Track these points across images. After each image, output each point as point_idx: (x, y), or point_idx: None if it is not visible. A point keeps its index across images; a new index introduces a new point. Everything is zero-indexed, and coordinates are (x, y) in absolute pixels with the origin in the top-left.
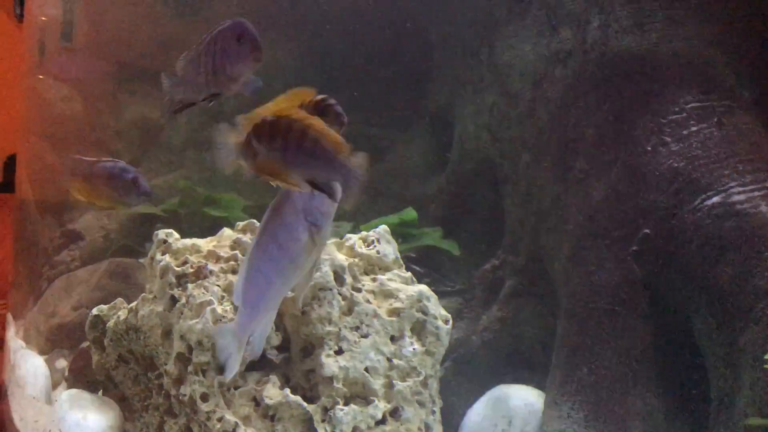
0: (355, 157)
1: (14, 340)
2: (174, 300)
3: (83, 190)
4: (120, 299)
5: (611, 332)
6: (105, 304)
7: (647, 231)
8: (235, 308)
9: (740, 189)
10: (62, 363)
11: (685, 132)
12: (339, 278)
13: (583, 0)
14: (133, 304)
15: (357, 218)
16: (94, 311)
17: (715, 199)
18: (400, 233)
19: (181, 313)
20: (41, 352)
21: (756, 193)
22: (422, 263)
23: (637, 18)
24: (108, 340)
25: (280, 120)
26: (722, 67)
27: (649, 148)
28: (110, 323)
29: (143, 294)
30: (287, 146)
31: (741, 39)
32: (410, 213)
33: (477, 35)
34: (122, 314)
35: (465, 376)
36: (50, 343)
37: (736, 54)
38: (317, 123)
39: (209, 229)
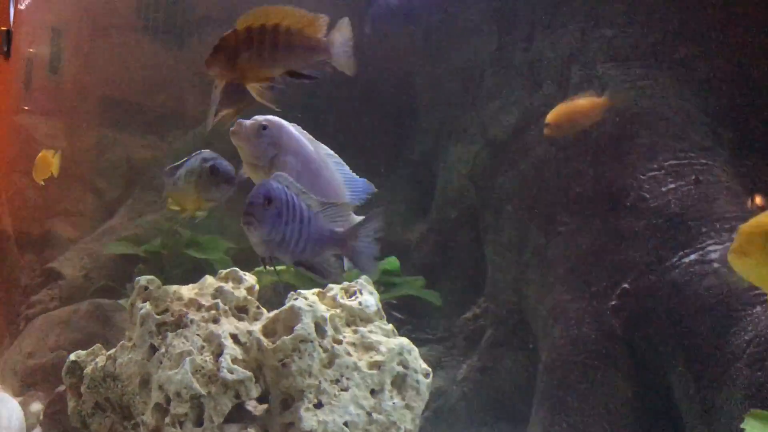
0: (335, 29)
1: None
2: (153, 349)
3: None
4: (98, 345)
5: (590, 387)
6: (83, 345)
7: (626, 286)
8: (217, 356)
9: (717, 247)
10: (37, 406)
11: (663, 189)
12: (320, 330)
13: (566, 57)
14: (112, 351)
15: (339, 265)
16: (72, 357)
17: (693, 256)
18: (382, 282)
19: (160, 363)
20: (16, 394)
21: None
22: (403, 310)
23: (617, 75)
24: (85, 386)
25: (251, 27)
26: (700, 125)
27: (628, 204)
28: (88, 369)
29: (122, 341)
30: (263, 44)
31: (718, 98)
32: (393, 262)
33: (462, 85)
34: (100, 361)
35: (444, 427)
36: (26, 385)
37: (714, 112)
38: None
39: (191, 270)
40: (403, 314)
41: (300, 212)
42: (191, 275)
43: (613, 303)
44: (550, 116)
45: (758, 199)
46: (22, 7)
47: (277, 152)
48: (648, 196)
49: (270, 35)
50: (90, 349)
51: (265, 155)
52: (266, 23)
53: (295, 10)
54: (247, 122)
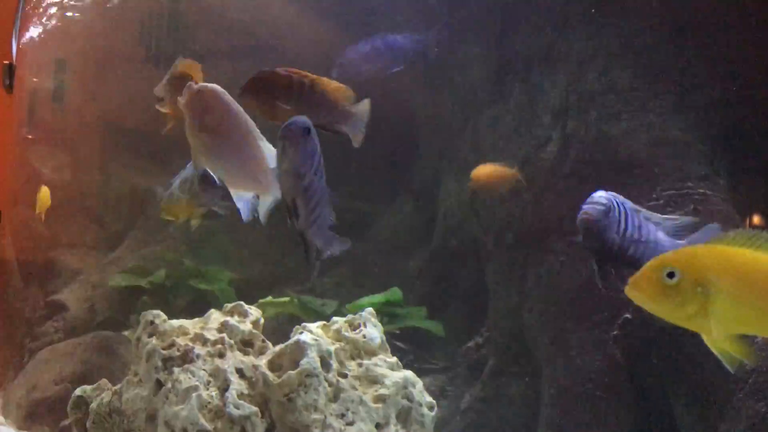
0: (359, 104)
1: None
2: (159, 384)
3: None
4: (104, 380)
5: (594, 417)
6: (88, 378)
7: (628, 316)
8: (223, 391)
9: None
10: None
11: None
12: (325, 364)
13: (563, 87)
14: (118, 386)
15: (342, 295)
16: (78, 391)
17: None
18: (385, 312)
19: (167, 398)
20: (19, 427)
21: None
22: (406, 339)
23: (616, 106)
24: (90, 422)
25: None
26: (698, 154)
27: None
28: (93, 405)
29: (128, 377)
30: (301, 93)
31: (716, 128)
32: (396, 293)
33: (462, 115)
34: (106, 396)
35: None
36: (30, 418)
37: (712, 142)
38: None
39: (195, 301)
40: (406, 344)
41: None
42: (195, 306)
43: (615, 333)
44: (474, 173)
45: (756, 220)
46: (25, 40)
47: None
48: None
49: (307, 87)
50: (96, 384)
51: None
52: (307, 75)
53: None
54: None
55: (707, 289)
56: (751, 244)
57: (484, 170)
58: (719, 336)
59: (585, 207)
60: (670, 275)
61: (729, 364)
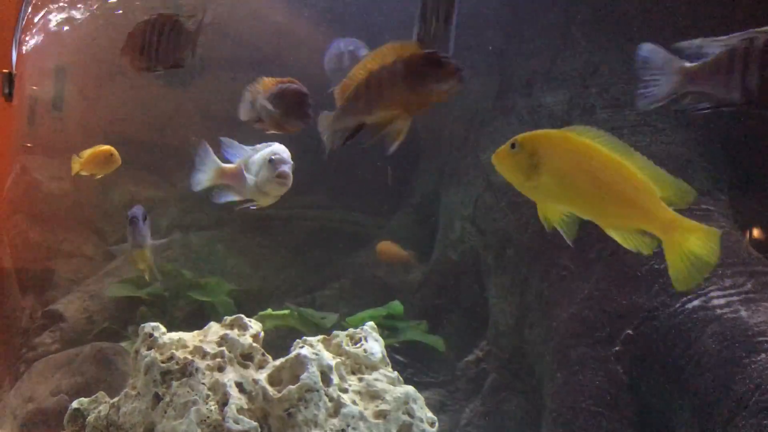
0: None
1: None
2: (158, 398)
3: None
4: (102, 393)
5: None
6: (85, 389)
7: (630, 332)
8: (222, 406)
9: (719, 293)
10: None
11: None
12: (326, 379)
13: (565, 101)
14: (116, 399)
15: (342, 308)
16: (75, 404)
17: (696, 302)
18: (386, 326)
19: (165, 412)
20: None
21: (735, 298)
22: (406, 353)
23: (617, 121)
24: None
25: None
26: (699, 170)
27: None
28: (90, 418)
29: (126, 390)
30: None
31: (718, 144)
32: (396, 307)
33: (463, 129)
34: (103, 409)
35: None
36: (26, 429)
37: (714, 158)
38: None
39: (194, 312)
40: (406, 357)
41: None
42: (194, 317)
43: (616, 349)
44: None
45: (756, 234)
46: (26, 48)
47: None
48: None
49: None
50: (93, 397)
51: None
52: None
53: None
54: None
55: (538, 160)
56: (591, 136)
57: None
58: (544, 205)
59: None
60: (513, 146)
61: (565, 236)
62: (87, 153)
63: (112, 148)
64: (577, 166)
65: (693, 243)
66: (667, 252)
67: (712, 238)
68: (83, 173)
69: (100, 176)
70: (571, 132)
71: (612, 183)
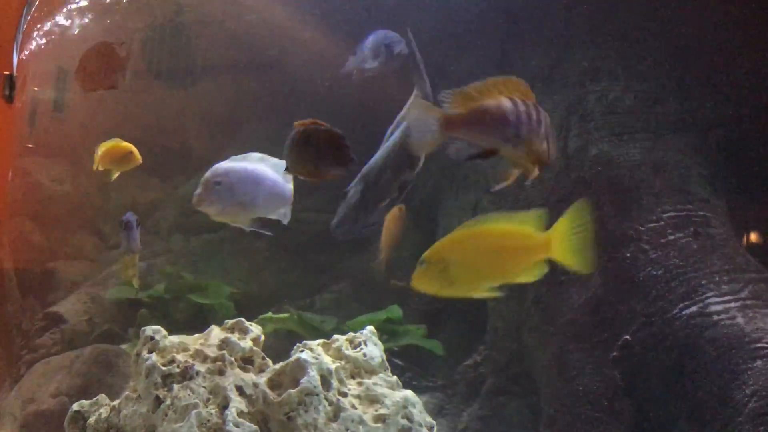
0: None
1: None
2: (158, 401)
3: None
4: (103, 395)
5: None
6: (85, 391)
7: (627, 338)
8: (222, 409)
9: (717, 299)
10: None
11: (662, 240)
12: (326, 383)
13: (565, 108)
14: (116, 402)
15: (341, 312)
16: (75, 406)
17: (693, 308)
18: (385, 330)
19: (166, 415)
20: None
21: (732, 304)
22: (405, 357)
23: (616, 128)
24: None
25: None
26: (698, 177)
27: (629, 255)
28: (91, 420)
29: (126, 392)
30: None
31: (716, 150)
32: (395, 311)
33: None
34: (104, 412)
35: None
36: (26, 431)
37: (711, 164)
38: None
39: (194, 315)
40: (404, 361)
41: None
42: (194, 320)
43: (614, 354)
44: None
45: (753, 239)
46: (27, 50)
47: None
48: (648, 247)
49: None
50: (94, 399)
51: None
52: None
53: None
54: None
55: (445, 266)
56: (474, 223)
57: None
58: (467, 292)
59: None
60: (422, 263)
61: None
62: (105, 147)
63: (132, 146)
64: (474, 252)
65: (569, 232)
66: (560, 258)
67: (582, 208)
68: (101, 168)
69: (116, 174)
70: (460, 230)
71: (503, 247)
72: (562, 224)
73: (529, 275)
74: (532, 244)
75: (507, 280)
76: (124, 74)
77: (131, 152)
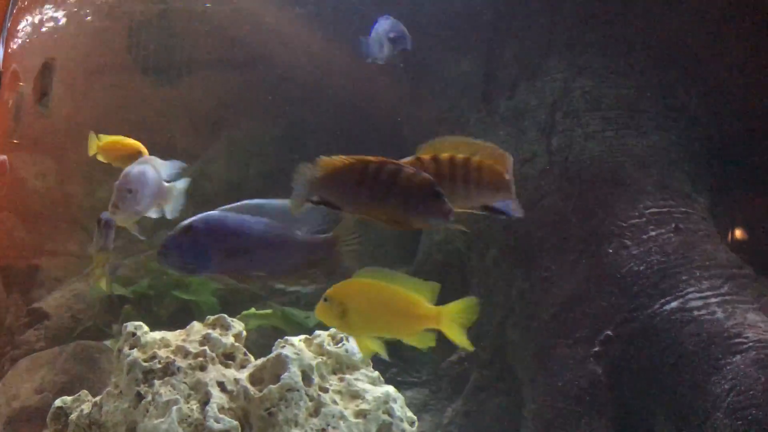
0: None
1: None
2: (140, 396)
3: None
4: (85, 392)
5: None
6: (69, 387)
7: (609, 333)
8: (203, 405)
9: (697, 295)
10: None
11: (644, 236)
12: (307, 378)
13: (549, 104)
14: (98, 398)
15: None
16: (57, 402)
17: (674, 304)
18: None
19: (147, 411)
20: None
21: (712, 300)
22: (389, 353)
23: (600, 125)
24: None
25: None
26: (680, 173)
27: (611, 251)
28: (73, 416)
29: (108, 388)
30: (454, 179)
31: (698, 147)
32: None
33: (447, 131)
34: (86, 408)
35: None
36: (9, 427)
37: (694, 161)
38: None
39: (179, 311)
40: (389, 357)
41: None
42: (179, 316)
43: (596, 349)
44: None
45: (737, 234)
46: (13, 45)
47: None
48: (629, 243)
49: (461, 169)
50: (76, 395)
51: None
52: (455, 156)
53: (485, 144)
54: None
55: (345, 307)
56: (377, 276)
57: None
58: (360, 338)
59: None
60: (326, 300)
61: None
62: (109, 139)
63: (141, 146)
64: (369, 304)
65: (459, 314)
66: (447, 332)
67: (470, 304)
68: (99, 158)
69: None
70: (363, 277)
71: (397, 308)
72: (455, 306)
73: (420, 341)
74: (422, 313)
75: (397, 337)
76: (46, 90)
77: (139, 152)
